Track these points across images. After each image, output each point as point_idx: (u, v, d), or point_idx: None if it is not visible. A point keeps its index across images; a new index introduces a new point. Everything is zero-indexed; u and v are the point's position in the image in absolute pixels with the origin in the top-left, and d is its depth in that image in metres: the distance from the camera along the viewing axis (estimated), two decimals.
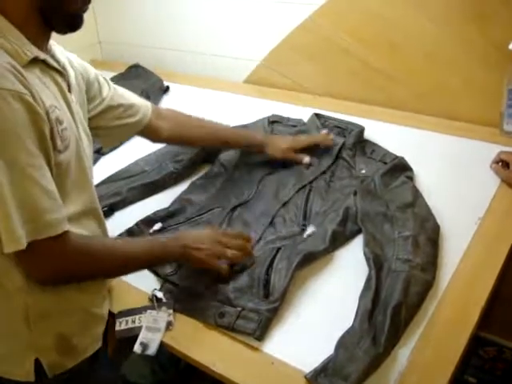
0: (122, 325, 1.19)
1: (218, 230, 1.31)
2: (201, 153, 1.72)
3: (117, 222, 1.54)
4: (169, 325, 1.18)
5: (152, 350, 1.14)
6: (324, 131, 1.65)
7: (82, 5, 1.03)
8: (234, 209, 1.47)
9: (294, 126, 1.78)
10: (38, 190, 0.92)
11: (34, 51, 0.98)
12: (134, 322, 1.19)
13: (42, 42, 1.03)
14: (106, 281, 1.21)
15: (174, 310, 1.21)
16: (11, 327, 1.04)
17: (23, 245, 0.91)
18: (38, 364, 1.05)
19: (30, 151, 0.91)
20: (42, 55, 1.01)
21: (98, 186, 1.68)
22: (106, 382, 1.26)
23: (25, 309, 1.03)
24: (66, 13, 1.01)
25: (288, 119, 1.83)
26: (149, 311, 1.20)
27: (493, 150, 1.53)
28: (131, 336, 1.17)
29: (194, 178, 1.67)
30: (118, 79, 2.44)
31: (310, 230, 1.34)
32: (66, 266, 1.03)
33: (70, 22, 1.04)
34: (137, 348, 1.15)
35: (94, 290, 1.15)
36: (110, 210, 1.57)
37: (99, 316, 1.16)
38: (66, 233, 0.98)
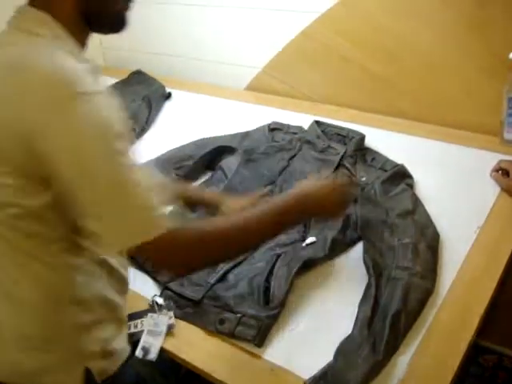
0: None
1: (328, 184, 1.19)
2: (202, 159, 1.73)
3: None
4: (170, 328, 1.19)
5: (153, 355, 1.15)
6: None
7: (125, 4, 1.02)
8: None
9: (295, 133, 1.79)
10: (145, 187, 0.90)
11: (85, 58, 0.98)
12: (136, 326, 1.20)
13: (83, 46, 1.02)
14: None
15: (175, 317, 1.22)
16: (62, 336, 1.01)
17: (164, 226, 0.88)
18: (87, 372, 1.02)
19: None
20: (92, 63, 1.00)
21: None
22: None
23: (76, 318, 1.01)
24: (109, 14, 1.01)
25: (288, 126, 1.83)
26: (150, 314, 1.21)
27: (492, 159, 1.54)
28: (133, 341, 1.17)
29: (196, 184, 1.68)
30: (120, 85, 2.45)
31: (309, 239, 1.34)
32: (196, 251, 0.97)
33: (114, 23, 1.03)
34: (138, 353, 1.15)
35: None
36: None
37: (124, 319, 1.15)
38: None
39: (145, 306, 1.25)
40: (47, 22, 0.94)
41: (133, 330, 1.19)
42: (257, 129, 1.85)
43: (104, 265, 1.05)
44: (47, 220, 0.93)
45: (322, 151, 1.66)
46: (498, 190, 1.45)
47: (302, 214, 1.13)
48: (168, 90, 2.32)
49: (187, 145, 1.85)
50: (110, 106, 0.89)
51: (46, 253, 0.96)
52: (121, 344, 1.10)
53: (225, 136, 1.84)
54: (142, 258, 1.01)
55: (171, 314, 1.22)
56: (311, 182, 1.19)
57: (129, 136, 0.91)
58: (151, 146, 1.95)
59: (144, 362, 1.15)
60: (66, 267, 0.99)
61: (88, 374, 1.02)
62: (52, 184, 0.88)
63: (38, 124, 0.84)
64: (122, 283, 1.11)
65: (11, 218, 0.91)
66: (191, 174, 1.71)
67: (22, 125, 0.85)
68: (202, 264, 1.03)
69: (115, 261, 1.08)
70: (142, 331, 1.18)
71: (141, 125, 2.07)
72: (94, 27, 1.01)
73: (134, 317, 1.22)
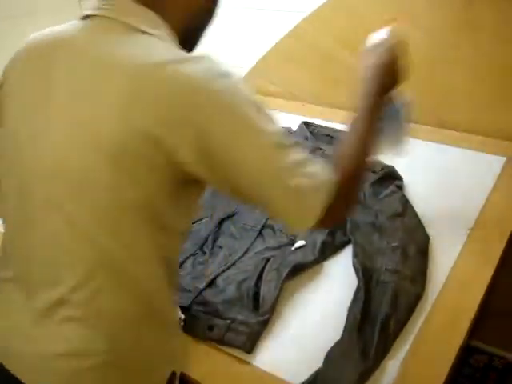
0: None
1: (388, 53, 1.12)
2: None
3: None
4: None
5: None
6: None
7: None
8: (221, 221, 1.47)
9: None
10: None
11: None
12: None
13: None
14: None
15: None
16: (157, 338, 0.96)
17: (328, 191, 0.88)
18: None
19: None
20: None
21: None
22: None
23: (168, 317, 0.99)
24: (201, 33, 1.05)
25: None
26: None
27: (483, 159, 1.54)
28: None
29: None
30: None
31: (298, 243, 1.33)
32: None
33: (198, 41, 1.06)
34: None
35: None
36: None
37: None
38: None
39: None
40: (161, 25, 0.92)
41: None
42: None
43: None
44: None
45: (310, 153, 1.64)
46: (487, 192, 1.44)
47: (384, 92, 1.08)
48: None
49: None
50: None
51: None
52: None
53: None
54: None
55: None
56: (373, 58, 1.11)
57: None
58: None
59: None
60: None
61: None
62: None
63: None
64: None
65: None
66: None
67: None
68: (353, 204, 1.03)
69: None
70: None
71: None
72: (188, 45, 1.01)
73: None
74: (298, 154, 0.88)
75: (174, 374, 0.97)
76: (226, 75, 0.87)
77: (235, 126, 0.83)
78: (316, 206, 0.87)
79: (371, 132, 1.01)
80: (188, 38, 1.00)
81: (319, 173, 0.89)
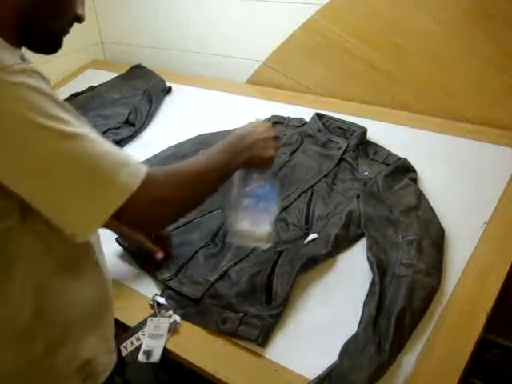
0: (128, 347, 1.16)
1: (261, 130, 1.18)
2: None
3: None
4: (172, 327, 1.18)
5: (156, 357, 1.13)
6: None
7: (69, 24, 0.94)
8: None
9: (297, 126, 1.77)
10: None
11: None
12: (138, 339, 1.17)
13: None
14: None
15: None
16: (35, 364, 0.92)
17: (132, 188, 0.83)
18: None
19: None
20: None
21: None
22: None
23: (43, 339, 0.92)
24: (49, 30, 0.92)
25: (289, 119, 1.82)
26: (149, 319, 1.19)
27: (498, 152, 1.52)
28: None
29: None
30: (121, 80, 2.44)
31: (311, 236, 1.33)
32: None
33: (50, 42, 0.95)
34: (141, 357, 1.14)
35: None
36: None
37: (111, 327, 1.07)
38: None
39: (145, 306, 1.24)
40: None
41: (136, 343, 1.16)
42: None
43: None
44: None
45: (323, 145, 1.64)
46: (504, 184, 1.43)
47: (243, 152, 1.11)
48: (168, 84, 2.30)
49: (186, 142, 1.83)
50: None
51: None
52: (105, 361, 1.02)
53: (224, 132, 1.81)
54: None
55: (170, 312, 1.20)
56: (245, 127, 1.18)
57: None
58: (152, 141, 1.93)
59: None
60: None
61: None
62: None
63: None
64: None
65: None
66: None
67: None
68: (179, 209, 0.99)
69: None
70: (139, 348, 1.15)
71: (141, 119, 2.05)
72: (28, 42, 0.92)
73: (134, 331, 1.19)
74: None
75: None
76: None
77: None
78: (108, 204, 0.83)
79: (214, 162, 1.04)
80: (31, 40, 0.91)
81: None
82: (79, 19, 0.95)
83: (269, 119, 1.83)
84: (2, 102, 0.74)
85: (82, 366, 0.96)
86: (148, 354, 1.13)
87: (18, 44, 0.89)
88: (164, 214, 0.96)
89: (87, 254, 0.97)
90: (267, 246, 1.20)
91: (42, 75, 0.80)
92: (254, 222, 1.18)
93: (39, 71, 0.80)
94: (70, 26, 0.95)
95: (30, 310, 0.88)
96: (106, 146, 0.84)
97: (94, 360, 0.98)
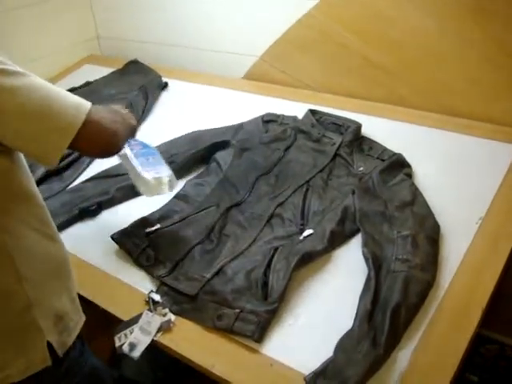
0: (121, 339, 1.17)
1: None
2: (193, 155, 1.70)
3: (105, 221, 1.54)
4: (164, 326, 1.18)
5: (137, 353, 1.14)
6: None
7: None
8: (228, 209, 1.46)
9: (289, 124, 1.76)
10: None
11: None
12: (132, 332, 1.17)
13: None
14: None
15: (172, 313, 1.21)
16: (18, 321, 1.02)
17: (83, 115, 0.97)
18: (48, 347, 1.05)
19: None
20: None
21: (84, 182, 1.67)
22: (96, 367, 1.25)
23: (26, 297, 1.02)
24: None
25: (283, 117, 1.80)
26: (145, 312, 1.20)
27: (494, 147, 1.52)
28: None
29: (187, 179, 1.64)
30: (117, 75, 2.43)
31: (307, 232, 1.33)
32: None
33: None
34: (125, 347, 1.15)
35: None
36: (98, 209, 1.56)
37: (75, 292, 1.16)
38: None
39: (141, 302, 1.24)
40: None
41: (130, 338, 1.17)
42: (249, 121, 1.82)
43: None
44: None
45: (316, 141, 1.64)
46: (499, 179, 1.43)
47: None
48: (165, 79, 2.29)
49: (179, 139, 1.82)
50: None
51: None
52: (74, 318, 1.13)
53: (219, 128, 1.81)
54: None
55: (166, 310, 1.20)
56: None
57: None
58: (148, 136, 1.92)
59: (143, 355, 1.14)
60: None
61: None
62: None
63: None
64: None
65: None
66: (182, 169, 1.66)
67: None
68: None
69: None
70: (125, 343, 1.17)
71: (137, 115, 2.05)
72: None
73: (129, 324, 1.19)
74: None
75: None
76: None
77: None
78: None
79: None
80: None
81: None
82: None
83: (263, 117, 1.82)
84: None
85: (58, 319, 1.07)
86: (132, 346, 1.14)
87: None
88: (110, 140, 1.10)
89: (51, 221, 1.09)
90: (171, 190, 1.39)
91: None
92: (157, 171, 1.36)
93: None
94: None
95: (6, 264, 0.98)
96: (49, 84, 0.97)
97: (65, 316, 1.09)
